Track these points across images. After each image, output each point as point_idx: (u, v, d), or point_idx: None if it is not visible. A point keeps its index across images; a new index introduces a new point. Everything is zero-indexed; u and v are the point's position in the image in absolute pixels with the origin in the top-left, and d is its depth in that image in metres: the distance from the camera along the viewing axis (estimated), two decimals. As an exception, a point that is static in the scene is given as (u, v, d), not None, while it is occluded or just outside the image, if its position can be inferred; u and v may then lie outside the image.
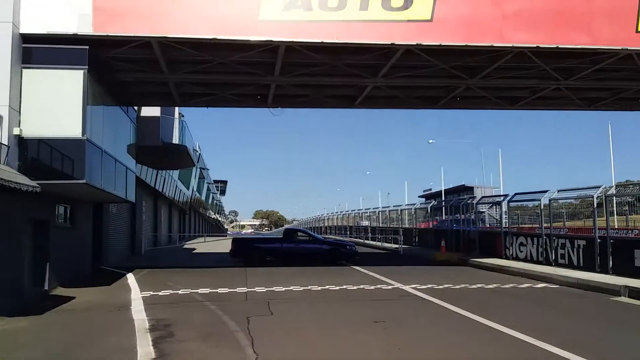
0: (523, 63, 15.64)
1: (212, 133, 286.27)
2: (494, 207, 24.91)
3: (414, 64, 15.90)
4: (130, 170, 18.39)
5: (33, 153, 12.29)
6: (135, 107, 20.28)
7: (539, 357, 7.43)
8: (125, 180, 17.48)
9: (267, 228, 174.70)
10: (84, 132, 12.52)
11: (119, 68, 15.57)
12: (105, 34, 12.83)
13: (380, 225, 40.89)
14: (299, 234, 24.79)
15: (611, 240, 15.65)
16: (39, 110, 12.49)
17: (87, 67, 12.71)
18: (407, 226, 35.44)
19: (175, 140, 24.64)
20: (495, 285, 15.06)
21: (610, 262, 15.46)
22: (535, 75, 16.93)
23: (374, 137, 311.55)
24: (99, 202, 19.25)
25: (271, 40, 13.27)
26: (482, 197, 27.93)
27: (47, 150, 12.42)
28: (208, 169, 63.13)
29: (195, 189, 53.37)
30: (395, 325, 9.71)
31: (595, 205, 16.84)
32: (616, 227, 22.01)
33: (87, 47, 12.74)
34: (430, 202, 37.19)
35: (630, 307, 11.62)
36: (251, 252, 22.04)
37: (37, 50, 12.64)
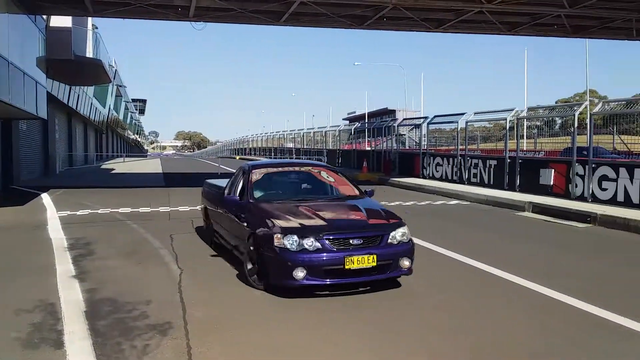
0: (448, -16, 15.72)
1: (130, 49, 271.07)
2: (414, 129, 25.65)
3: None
4: (40, 84, 17.25)
5: None
6: (44, 17, 18.72)
7: (445, 263, 8.06)
8: (35, 95, 16.41)
9: (189, 150, 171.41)
10: (-15, 41, 11.51)
11: (22, -30, 14.21)
12: None
13: (305, 147, 41.20)
14: None
15: (520, 160, 16.68)
16: None
17: (-16, -33, 11.51)
18: (331, 147, 35.94)
19: (89, 54, 23.22)
20: (412, 202, 15.82)
21: (518, 181, 16.54)
22: (460, -4, 17.09)
23: (299, 60, 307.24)
24: (7, 118, 18.06)
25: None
26: (404, 119, 28.56)
27: (-56, 60, 11.38)
28: (125, 87, 60.31)
29: (112, 107, 51.06)
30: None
31: (507, 127, 17.74)
32: (525, 149, 23.42)
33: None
34: (354, 125, 37.61)
35: (532, 220, 12.63)
36: None
37: None
